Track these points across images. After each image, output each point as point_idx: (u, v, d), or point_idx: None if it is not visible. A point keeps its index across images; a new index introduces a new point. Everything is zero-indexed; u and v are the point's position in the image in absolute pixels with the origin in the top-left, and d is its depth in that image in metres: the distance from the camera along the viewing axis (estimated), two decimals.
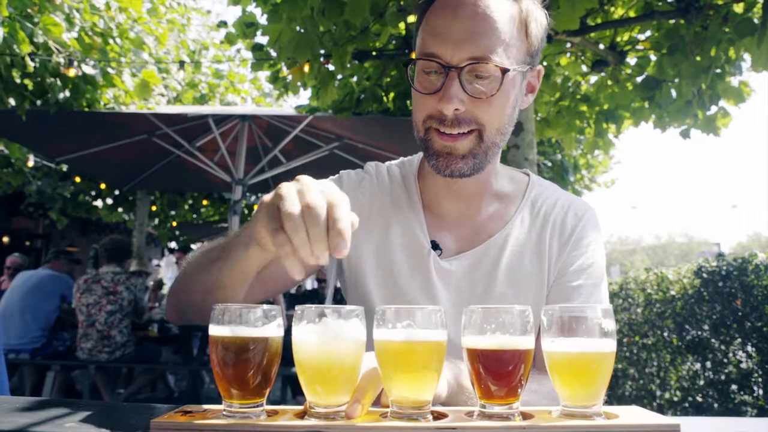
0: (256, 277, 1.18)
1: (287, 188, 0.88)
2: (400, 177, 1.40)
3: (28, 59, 5.03)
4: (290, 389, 6.36)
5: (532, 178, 1.40)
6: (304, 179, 0.91)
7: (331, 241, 0.83)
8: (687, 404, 5.05)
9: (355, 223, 0.88)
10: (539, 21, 1.20)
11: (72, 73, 5.48)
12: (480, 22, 1.11)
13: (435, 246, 1.31)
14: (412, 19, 5.16)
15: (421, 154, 1.41)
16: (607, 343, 0.81)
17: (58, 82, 5.60)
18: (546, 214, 1.32)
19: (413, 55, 1.24)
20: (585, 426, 0.78)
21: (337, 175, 1.42)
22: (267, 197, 0.90)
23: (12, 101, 5.44)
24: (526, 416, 0.82)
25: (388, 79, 5.61)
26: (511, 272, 1.28)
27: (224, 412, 0.79)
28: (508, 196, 1.35)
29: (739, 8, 4.16)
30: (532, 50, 1.20)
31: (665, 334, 5.46)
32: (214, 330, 0.79)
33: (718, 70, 4.57)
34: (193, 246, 13.93)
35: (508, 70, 1.12)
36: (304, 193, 0.86)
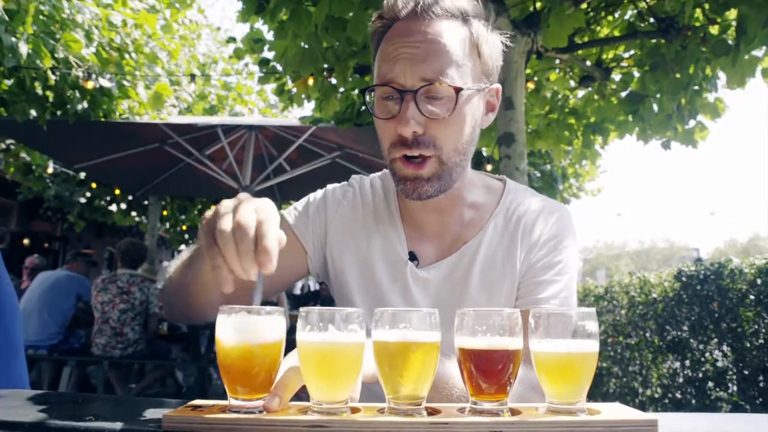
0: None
1: (225, 205, 0.90)
2: (382, 190, 1.39)
3: (50, 73, 5.06)
4: None
5: (507, 184, 1.37)
6: (243, 196, 0.92)
7: (258, 257, 0.84)
8: (667, 401, 5.05)
9: (282, 241, 0.88)
10: (491, 42, 1.19)
11: (90, 85, 5.51)
12: (430, 45, 1.10)
13: (412, 257, 1.30)
14: None
15: None
16: (591, 344, 0.82)
17: (77, 94, 5.63)
18: (518, 218, 1.29)
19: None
20: (569, 422, 0.78)
21: (323, 190, 1.42)
22: (208, 213, 0.91)
23: (33, 112, 5.46)
24: (514, 412, 0.83)
25: None
26: (484, 277, 1.27)
27: (230, 408, 0.79)
28: (483, 205, 1.33)
29: (715, 30, 4.20)
30: (487, 70, 1.19)
31: (647, 334, 5.46)
32: (221, 329, 0.80)
33: (696, 87, 4.61)
34: None
35: (461, 89, 1.11)
36: (238, 210, 0.87)
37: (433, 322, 0.83)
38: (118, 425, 0.76)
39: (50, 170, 9.52)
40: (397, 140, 1.13)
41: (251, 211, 0.87)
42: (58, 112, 5.68)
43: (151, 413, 0.84)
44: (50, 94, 5.51)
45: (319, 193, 1.41)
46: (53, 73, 5.19)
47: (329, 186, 1.43)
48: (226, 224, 0.85)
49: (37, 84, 5.27)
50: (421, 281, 1.28)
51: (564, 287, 1.24)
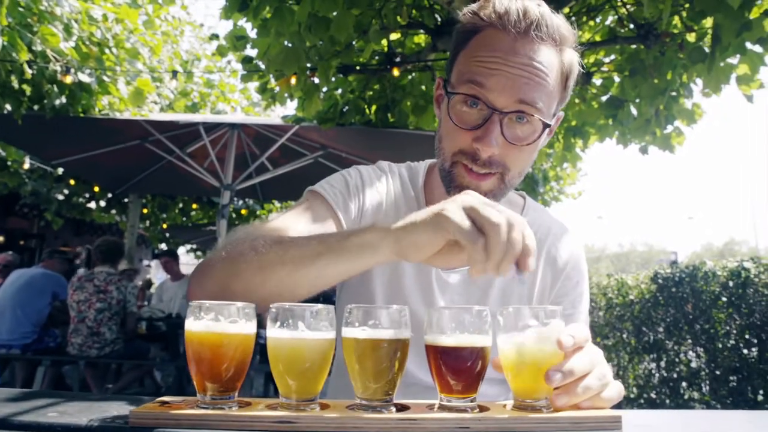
0: None
1: (474, 200, 0.88)
2: (410, 184, 1.36)
3: (26, 66, 4.96)
4: (273, 386, 6.33)
5: (527, 201, 1.39)
6: (474, 193, 0.92)
7: (523, 257, 0.86)
8: (642, 401, 5.13)
9: None
10: (576, 70, 1.16)
11: (69, 80, 5.41)
12: (532, 72, 1.07)
13: None
14: (394, 36, 5.19)
15: (426, 164, 1.38)
16: (555, 342, 0.83)
17: (55, 89, 5.52)
18: (540, 241, 1.31)
19: (440, 76, 1.21)
20: (535, 418, 0.80)
21: (352, 168, 1.34)
22: (450, 206, 0.88)
23: (8, 106, 5.35)
24: (482, 409, 0.84)
25: (371, 93, 5.64)
26: (502, 292, 1.28)
27: (198, 404, 0.79)
28: None
29: (692, 38, 4.27)
30: (566, 99, 1.18)
31: (624, 335, 5.54)
32: (190, 325, 0.80)
33: (674, 93, 4.68)
34: (182, 247, 13.74)
35: (549, 125, 1.11)
36: (501, 209, 0.87)
37: (403, 320, 0.83)
38: (84, 421, 0.75)
39: (26, 166, 9.35)
40: (468, 152, 1.11)
41: (510, 211, 0.88)
42: (35, 107, 5.58)
43: (118, 409, 0.83)
44: (27, 88, 5.41)
45: (354, 172, 1.32)
46: (30, 66, 5.09)
47: (361, 167, 1.35)
48: (500, 220, 0.85)
49: (12, 77, 5.16)
50: (442, 282, 1.28)
51: (586, 316, 1.32)
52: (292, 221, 1.16)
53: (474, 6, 1.15)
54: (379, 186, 1.32)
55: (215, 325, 0.79)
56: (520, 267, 0.87)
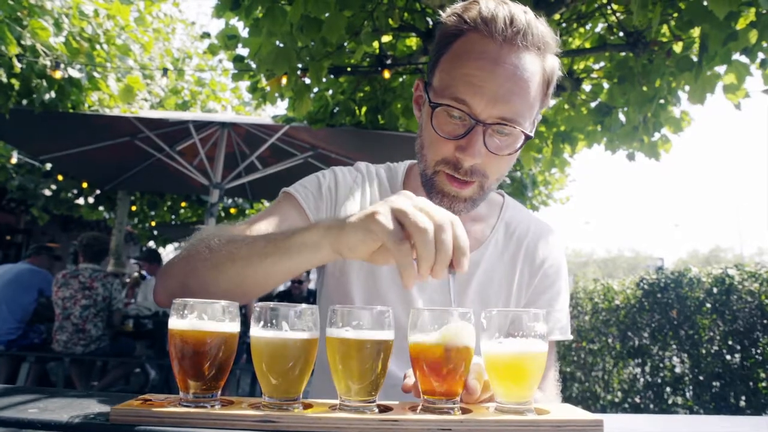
0: None
1: (406, 203, 0.87)
2: (388, 184, 1.36)
3: (15, 60, 4.91)
4: (259, 386, 6.30)
5: (506, 199, 1.40)
6: (410, 194, 0.90)
7: (456, 257, 0.85)
8: (627, 405, 5.17)
9: None
10: (557, 76, 1.15)
11: (58, 75, 5.36)
12: (517, 83, 1.06)
13: None
14: (385, 39, 5.20)
15: (405, 165, 1.39)
16: (539, 345, 0.84)
17: (44, 84, 5.47)
18: (519, 239, 1.32)
19: (422, 80, 1.20)
20: (517, 421, 0.80)
21: (328, 170, 1.35)
22: (382, 209, 0.87)
23: None
24: (465, 411, 0.84)
25: (361, 94, 5.64)
26: (480, 290, 1.29)
27: (181, 402, 0.79)
28: (485, 218, 1.35)
29: (679, 47, 4.32)
30: (545, 105, 1.18)
31: (609, 340, 5.58)
32: (174, 323, 0.79)
33: (662, 101, 4.73)
34: (170, 245, 13.63)
35: (531, 137, 1.11)
36: (429, 211, 0.85)
37: (386, 321, 0.83)
38: (65, 417, 0.74)
39: (14, 160, 9.26)
40: (451, 161, 1.12)
41: (443, 212, 0.86)
42: (24, 101, 5.52)
43: (100, 406, 0.82)
44: (16, 83, 5.35)
45: (328, 174, 1.33)
46: (19, 60, 5.04)
47: (335, 168, 1.36)
48: (426, 224, 0.83)
49: (1, 71, 5.11)
50: (420, 282, 1.29)
51: (563, 316, 1.32)
52: (261, 222, 1.17)
53: (458, 7, 1.13)
54: (354, 187, 1.32)
55: (199, 323, 0.79)
56: (453, 267, 0.86)
